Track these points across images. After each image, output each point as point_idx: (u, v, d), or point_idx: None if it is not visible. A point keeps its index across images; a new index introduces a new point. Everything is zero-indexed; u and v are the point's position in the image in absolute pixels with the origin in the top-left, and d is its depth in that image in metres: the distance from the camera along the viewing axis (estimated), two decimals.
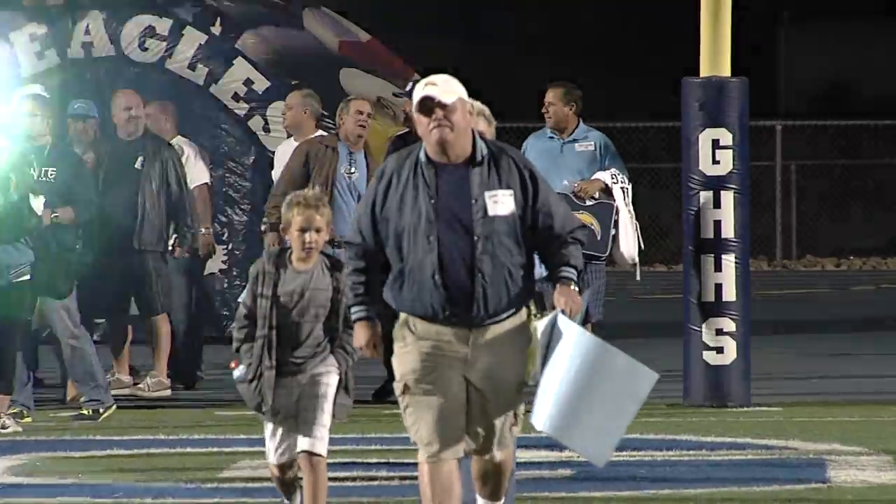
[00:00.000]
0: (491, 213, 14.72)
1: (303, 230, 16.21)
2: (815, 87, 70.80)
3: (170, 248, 30.90)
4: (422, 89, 14.90)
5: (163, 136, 31.68)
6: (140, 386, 31.38)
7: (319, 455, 16.12)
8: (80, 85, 35.24)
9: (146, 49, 35.95)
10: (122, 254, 30.73)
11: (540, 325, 15.16)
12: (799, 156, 56.46)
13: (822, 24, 78.81)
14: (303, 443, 16.14)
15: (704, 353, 30.17)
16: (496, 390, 14.99)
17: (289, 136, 32.78)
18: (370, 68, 37.60)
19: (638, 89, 37.53)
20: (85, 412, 28.56)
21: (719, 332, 30.11)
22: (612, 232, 29.73)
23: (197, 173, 31.55)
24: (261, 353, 15.94)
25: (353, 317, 15.31)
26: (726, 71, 30.52)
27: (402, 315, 15.12)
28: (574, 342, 14.84)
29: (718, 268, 30.20)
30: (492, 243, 14.72)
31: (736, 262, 30.39)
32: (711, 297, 30.16)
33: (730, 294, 30.23)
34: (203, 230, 31.28)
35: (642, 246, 30.17)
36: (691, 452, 26.22)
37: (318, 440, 16.20)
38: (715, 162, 30.22)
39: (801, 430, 27.42)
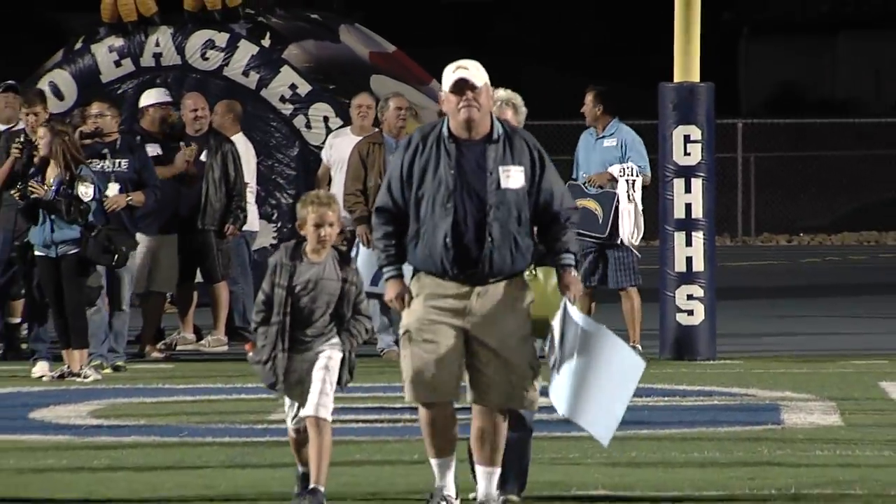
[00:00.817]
0: (503, 185, 14.63)
1: (317, 226, 16.05)
2: (770, 90, 70.55)
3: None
4: (454, 72, 14.79)
5: (225, 131, 31.72)
6: (202, 343, 31.45)
7: (324, 419, 15.90)
8: (147, 84, 35.34)
9: (207, 59, 35.93)
10: (189, 232, 30.78)
11: (557, 320, 14.87)
12: (757, 149, 56.36)
13: (775, 38, 78.63)
14: (309, 408, 15.99)
15: (677, 315, 30.22)
16: (499, 338, 14.78)
17: (328, 133, 33.01)
18: (396, 75, 37.53)
19: (625, 90, 37.72)
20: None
21: (689, 297, 30.18)
22: (613, 217, 29.80)
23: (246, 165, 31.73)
24: (275, 337, 15.85)
25: (385, 275, 15.07)
26: (696, 77, 30.55)
27: (414, 270, 15.01)
28: (582, 332, 14.82)
29: (689, 243, 30.28)
30: (502, 212, 14.61)
31: (704, 239, 30.48)
32: (683, 268, 30.23)
33: (698, 265, 30.30)
34: None
35: (641, 231, 30.15)
36: (666, 399, 26.22)
37: (322, 406, 15.99)
38: (686, 154, 30.28)
39: (759, 380, 27.38)
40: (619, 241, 30.40)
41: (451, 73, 14.84)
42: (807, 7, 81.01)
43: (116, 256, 27.23)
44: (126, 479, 19.95)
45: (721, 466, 20.69)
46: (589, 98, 30.59)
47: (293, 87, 35.55)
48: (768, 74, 75.20)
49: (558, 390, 14.84)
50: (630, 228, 29.67)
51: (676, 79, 30.51)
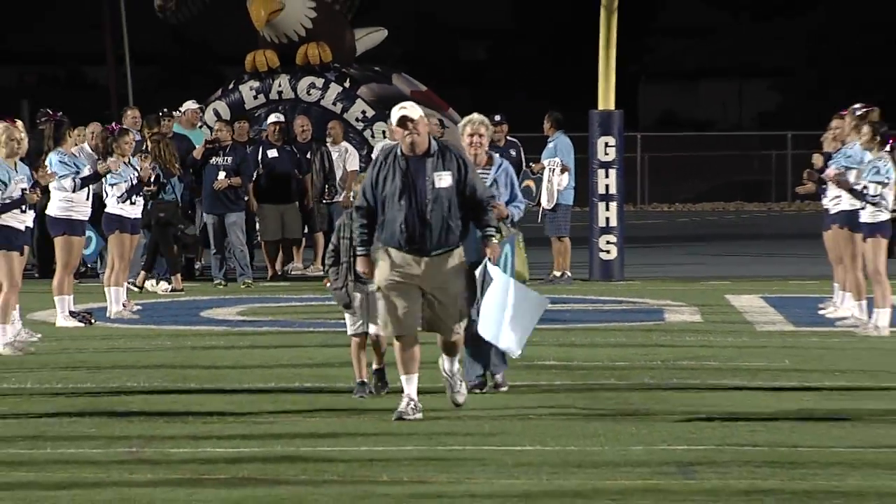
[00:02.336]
0: (437, 185, 14.17)
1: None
2: (657, 114, 70.01)
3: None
4: (398, 111, 14.30)
5: (336, 138, 31.61)
6: (306, 271, 31.21)
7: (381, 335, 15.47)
8: (273, 111, 35.15)
9: (310, 94, 35.74)
10: (302, 201, 30.58)
11: (477, 272, 14.59)
12: (649, 151, 56.29)
13: (662, 81, 78.11)
14: (372, 328, 15.59)
15: (600, 253, 30.06)
16: (443, 294, 14.44)
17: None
18: (427, 105, 37.39)
19: (572, 113, 37.67)
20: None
21: (608, 242, 30.01)
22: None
23: (351, 161, 31.31)
24: (346, 272, 15.44)
25: (358, 253, 14.67)
26: (612, 106, 30.35)
27: (382, 246, 14.46)
28: (499, 281, 14.54)
29: (607, 209, 30.12)
30: (438, 205, 14.20)
31: (616, 206, 30.29)
32: (604, 224, 30.06)
33: (613, 222, 30.12)
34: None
35: (554, 200, 29.60)
36: (592, 305, 26.12)
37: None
38: (606, 154, 30.16)
39: (651, 294, 27.28)
40: (552, 207, 29.80)
41: (396, 112, 14.35)
42: (682, 62, 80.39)
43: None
44: (261, 354, 19.96)
45: (626, 347, 20.67)
46: (546, 118, 30.41)
47: (364, 112, 35.37)
48: (657, 104, 74.71)
49: (483, 323, 14.64)
50: (546, 198, 29.36)
51: (600, 107, 30.33)
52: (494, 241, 14.50)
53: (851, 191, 20.19)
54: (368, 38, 38.89)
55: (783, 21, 73.45)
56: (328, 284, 15.86)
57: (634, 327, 23.13)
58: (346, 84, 36.65)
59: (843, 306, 22.80)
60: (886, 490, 11.93)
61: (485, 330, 14.67)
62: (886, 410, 15.62)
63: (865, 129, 21.21)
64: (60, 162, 22.13)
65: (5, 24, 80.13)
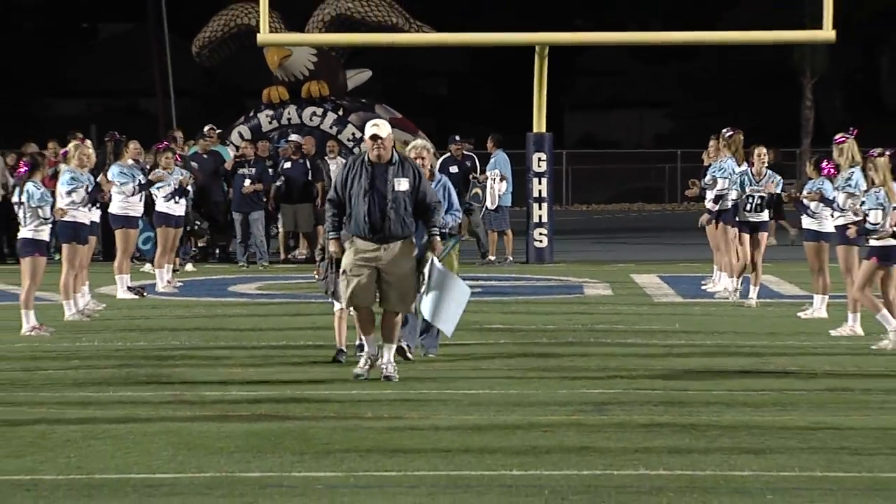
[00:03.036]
0: (396, 189, 13.78)
1: None
2: (579, 136, 69.89)
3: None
4: (370, 128, 13.92)
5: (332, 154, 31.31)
6: (292, 254, 31.04)
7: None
8: (283, 133, 34.99)
9: (312, 120, 35.56)
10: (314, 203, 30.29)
11: (426, 267, 14.06)
12: (572, 164, 56.15)
13: (584, 111, 77.92)
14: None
15: (535, 242, 29.98)
16: (395, 276, 13.91)
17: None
18: (402, 128, 37.29)
19: (509, 136, 37.39)
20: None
21: (541, 234, 29.96)
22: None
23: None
24: (328, 266, 14.59)
25: (330, 237, 14.14)
26: (543, 129, 30.30)
27: (349, 235, 13.94)
28: (439, 274, 14.09)
29: (540, 208, 30.05)
30: (396, 204, 13.77)
31: (547, 206, 30.25)
32: (538, 220, 29.99)
33: (545, 219, 30.05)
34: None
35: (496, 202, 29.44)
36: (527, 282, 26.07)
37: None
38: (539, 166, 30.06)
39: (574, 274, 27.22)
40: (495, 207, 29.71)
41: (369, 128, 13.96)
42: (598, 96, 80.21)
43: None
44: (274, 320, 19.92)
45: (554, 314, 20.66)
46: (489, 139, 30.34)
47: (353, 134, 35.02)
48: (578, 128, 74.55)
49: (425, 306, 14.20)
50: (490, 201, 29.24)
51: (534, 131, 30.26)
52: (438, 239, 14.07)
53: (823, 200, 18.88)
54: (357, 77, 38.75)
55: (676, 63, 73.47)
56: (316, 275, 15.34)
57: (561, 299, 23.12)
58: (340, 112, 36.51)
59: (720, 283, 22.87)
60: (754, 424, 12.01)
61: (426, 311, 14.22)
62: (753, 363, 15.69)
63: (762, 149, 21.33)
64: (120, 172, 22.18)
65: (77, 66, 79.96)
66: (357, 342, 14.82)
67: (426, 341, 15.66)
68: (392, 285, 13.85)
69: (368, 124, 14.03)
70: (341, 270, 13.98)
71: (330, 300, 15.23)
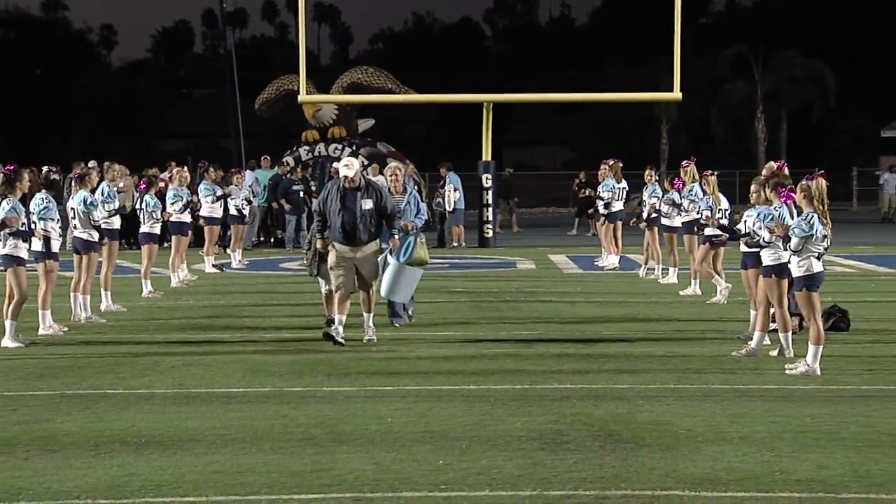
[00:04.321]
0: (363, 207, 12.67)
1: None
2: (514, 163, 69.53)
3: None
4: (343, 170, 12.89)
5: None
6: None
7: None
8: (317, 164, 34.84)
9: (335, 153, 35.38)
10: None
11: (381, 258, 12.99)
12: (518, 181, 56.06)
13: (517, 146, 77.69)
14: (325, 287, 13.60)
15: (484, 233, 29.86)
16: (365, 267, 12.77)
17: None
18: (395, 157, 37.17)
19: (466, 162, 36.95)
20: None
21: (488, 228, 29.85)
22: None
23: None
24: (312, 255, 13.18)
25: (317, 237, 12.98)
26: (489, 157, 30.27)
27: (331, 241, 12.78)
28: (394, 263, 13.01)
29: (487, 210, 29.89)
30: (364, 218, 12.69)
31: (493, 210, 30.15)
32: (486, 218, 29.87)
33: (490, 218, 29.92)
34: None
35: (452, 206, 29.46)
36: (480, 260, 25.94)
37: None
38: (486, 182, 29.96)
39: (509, 255, 27.09)
40: (452, 210, 29.52)
41: (342, 169, 12.92)
42: (529, 135, 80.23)
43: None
44: (310, 286, 19.86)
45: (497, 280, 20.59)
46: (441, 165, 30.38)
47: (363, 162, 35.02)
48: (512, 157, 74.44)
49: (383, 285, 13.01)
50: (449, 207, 29.20)
51: (483, 159, 30.23)
52: (396, 237, 12.98)
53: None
54: (365, 124, 38.58)
55: (577, 114, 73.48)
56: (305, 261, 14.07)
57: (501, 272, 23.07)
58: (354, 147, 36.33)
59: (607, 260, 22.87)
60: (630, 353, 12.00)
61: (384, 291, 13.13)
62: (628, 312, 15.70)
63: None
64: (205, 188, 22.04)
65: (179, 117, 79.83)
66: (327, 316, 13.50)
67: (394, 318, 14.33)
68: (363, 274, 12.82)
69: (342, 165, 13.01)
70: (328, 266, 12.85)
71: (315, 279, 14.07)
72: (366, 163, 35.26)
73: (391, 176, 14.33)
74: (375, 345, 12.68)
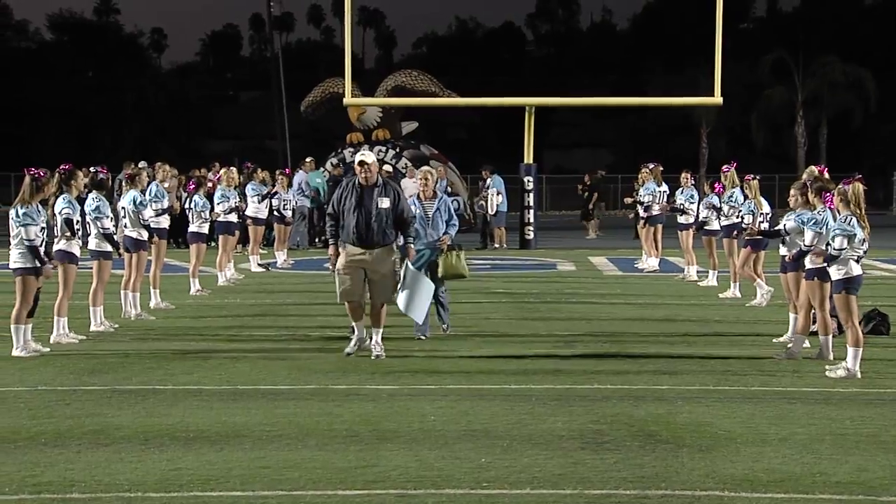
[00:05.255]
0: (380, 206, 11.69)
1: None
2: (553, 167, 69.11)
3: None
4: (359, 157, 11.88)
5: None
6: None
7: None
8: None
9: (378, 155, 35.32)
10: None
11: (402, 268, 12.02)
12: (550, 185, 55.68)
13: (557, 149, 77.59)
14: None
15: (525, 235, 29.66)
16: (378, 274, 11.76)
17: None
18: (438, 160, 37.20)
19: (509, 165, 36.67)
20: None
21: (529, 229, 29.67)
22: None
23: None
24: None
25: (330, 243, 11.96)
26: (531, 160, 30.01)
27: (342, 242, 11.80)
28: (412, 274, 11.97)
29: (528, 213, 29.68)
30: (379, 218, 11.68)
31: (533, 211, 29.90)
32: (527, 220, 29.71)
33: (531, 220, 29.67)
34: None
35: (495, 209, 29.56)
36: (520, 262, 25.80)
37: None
38: (527, 186, 29.63)
39: (549, 256, 26.92)
40: (494, 213, 29.26)
41: (358, 156, 11.88)
42: (566, 140, 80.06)
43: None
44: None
45: (537, 282, 20.47)
46: (485, 168, 30.40)
47: (406, 164, 35.02)
48: (553, 160, 74.11)
49: (400, 301, 12.02)
50: (492, 210, 29.18)
51: (525, 161, 30.02)
52: (411, 245, 12.04)
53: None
54: (408, 126, 38.68)
55: (616, 118, 73.26)
56: (330, 267, 12.67)
57: (541, 273, 22.99)
58: (397, 150, 36.47)
59: (647, 262, 22.77)
60: (669, 354, 11.94)
61: (401, 305, 12.17)
62: (668, 314, 15.63)
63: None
64: (253, 188, 22.17)
65: (226, 119, 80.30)
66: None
67: (419, 329, 13.10)
68: (375, 282, 11.79)
69: (357, 154, 12.08)
70: (335, 270, 11.90)
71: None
72: (409, 165, 35.47)
73: (421, 180, 13.50)
74: (418, 344, 12.62)
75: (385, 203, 11.80)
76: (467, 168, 37.24)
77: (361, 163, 11.80)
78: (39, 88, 72.50)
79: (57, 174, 12.63)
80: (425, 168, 14.07)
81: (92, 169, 14.76)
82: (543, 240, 31.67)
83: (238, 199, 19.80)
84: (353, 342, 11.90)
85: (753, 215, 16.17)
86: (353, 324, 11.96)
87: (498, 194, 29.68)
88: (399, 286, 12.05)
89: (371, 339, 11.87)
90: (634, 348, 12.40)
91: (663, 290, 19.02)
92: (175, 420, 8.64)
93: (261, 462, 7.36)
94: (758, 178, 16.59)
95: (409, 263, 12.05)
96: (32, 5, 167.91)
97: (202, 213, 17.96)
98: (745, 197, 16.70)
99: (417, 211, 13.01)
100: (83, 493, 6.68)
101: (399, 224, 11.92)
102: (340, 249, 11.86)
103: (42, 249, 11.81)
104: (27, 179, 11.85)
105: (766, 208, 16.21)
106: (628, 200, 25.51)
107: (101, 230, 13.54)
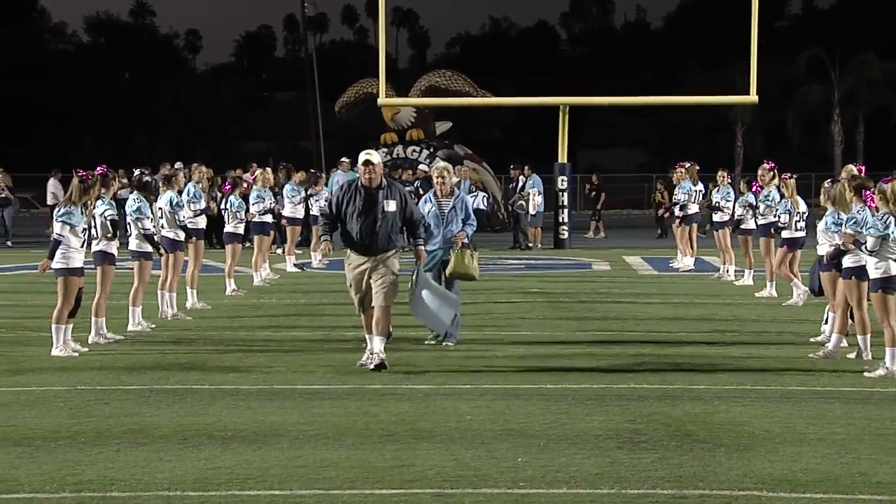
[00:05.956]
0: (385, 209, 10.81)
1: None
2: (587, 165, 68.51)
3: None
4: (363, 156, 10.92)
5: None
6: None
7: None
8: (395, 164, 34.96)
9: (413, 155, 35.53)
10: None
11: (414, 274, 11.57)
12: (583, 183, 55.41)
13: (591, 148, 77.23)
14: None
15: (559, 235, 29.55)
16: (379, 275, 10.77)
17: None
18: (473, 160, 37.22)
19: (543, 165, 36.49)
20: None
21: (563, 229, 29.51)
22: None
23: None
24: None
25: (322, 240, 11.16)
26: (565, 160, 29.94)
27: (346, 249, 11.05)
28: (424, 280, 11.52)
29: (563, 212, 29.56)
30: (384, 222, 10.79)
31: (567, 211, 29.80)
32: (561, 220, 29.58)
33: (566, 219, 29.51)
34: None
35: (537, 208, 29.59)
36: (555, 261, 25.74)
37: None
38: (561, 185, 29.56)
39: (584, 255, 26.81)
40: (534, 213, 29.33)
41: (362, 156, 10.95)
42: (599, 140, 79.48)
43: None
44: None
45: (572, 282, 20.43)
46: (524, 168, 30.32)
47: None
48: (587, 159, 73.78)
49: (413, 306, 11.53)
50: (530, 209, 29.18)
51: (559, 161, 29.87)
52: (422, 248, 11.39)
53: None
54: (442, 126, 38.76)
55: (652, 117, 73.02)
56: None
57: (576, 273, 22.92)
58: (431, 150, 36.54)
59: (683, 261, 22.68)
60: (706, 353, 11.90)
61: (417, 314, 11.79)
62: (704, 313, 15.57)
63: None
64: (291, 189, 22.26)
65: (260, 120, 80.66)
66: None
67: (448, 338, 12.46)
68: (376, 285, 10.90)
69: (362, 154, 11.11)
70: (347, 284, 11.15)
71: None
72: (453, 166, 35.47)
73: (437, 178, 12.69)
74: (454, 343, 12.55)
75: (391, 206, 10.95)
76: (502, 168, 37.14)
77: (366, 162, 10.96)
78: (77, 90, 73.06)
79: (98, 177, 12.73)
80: (441, 164, 13.14)
81: (136, 170, 14.86)
82: (578, 239, 31.58)
83: (273, 200, 19.81)
84: (365, 355, 11.08)
85: (790, 214, 16.08)
86: (366, 335, 11.11)
87: (539, 194, 29.70)
88: (410, 292, 11.53)
89: (374, 346, 10.94)
90: (670, 348, 12.35)
91: (699, 289, 18.93)
92: (212, 419, 8.68)
93: (298, 461, 7.39)
94: (795, 176, 16.50)
95: (421, 269, 11.50)
96: (70, 8, 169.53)
97: (238, 214, 18.05)
98: (782, 196, 16.62)
99: (432, 208, 12.54)
100: (123, 491, 6.73)
101: (408, 227, 11.18)
102: (346, 261, 11.11)
103: (82, 254, 11.97)
104: (75, 181, 12.03)
105: (802, 207, 16.11)
106: (665, 214, 25.18)
107: (141, 231, 13.67)
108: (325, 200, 23.56)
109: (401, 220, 11.01)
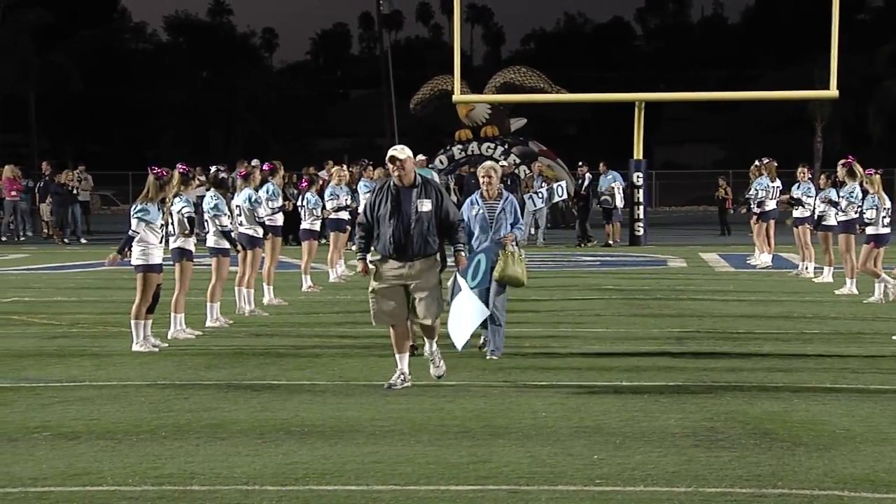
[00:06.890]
0: (420, 210, 9.74)
1: None
2: (663, 162, 68.00)
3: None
4: (390, 152, 9.89)
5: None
6: None
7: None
8: (469, 160, 34.93)
9: (487, 152, 35.36)
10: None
11: (451, 280, 10.86)
12: (660, 180, 54.97)
13: (666, 145, 76.60)
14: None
15: (635, 231, 29.43)
16: (421, 290, 9.77)
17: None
18: (548, 156, 37.12)
19: (615, 160, 36.46)
20: None
21: (639, 226, 29.35)
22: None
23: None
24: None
25: (358, 258, 10.02)
26: (640, 156, 29.72)
27: (377, 254, 9.92)
28: (464, 288, 10.19)
29: (639, 209, 29.41)
30: (419, 224, 9.72)
31: (643, 208, 29.62)
32: (637, 216, 29.43)
33: (641, 216, 29.47)
34: None
35: (622, 203, 29.45)
36: (631, 258, 25.61)
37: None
38: (637, 181, 29.53)
39: (660, 252, 26.62)
40: (613, 206, 29.14)
41: (390, 151, 9.91)
42: (675, 136, 78.86)
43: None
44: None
45: (647, 279, 20.29)
46: (601, 164, 30.16)
47: (515, 161, 35.17)
48: (663, 156, 73.15)
49: (453, 318, 10.07)
50: (618, 203, 29.10)
51: (634, 157, 29.73)
52: (462, 254, 10.19)
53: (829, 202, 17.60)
54: (517, 123, 38.74)
55: (728, 112, 72.09)
56: None
57: (652, 269, 22.79)
58: (505, 146, 36.51)
59: (760, 258, 22.44)
60: (784, 351, 11.75)
61: (448, 325, 10.32)
62: (782, 311, 15.38)
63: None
64: (365, 185, 22.32)
65: (336, 117, 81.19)
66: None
67: (492, 352, 11.61)
68: (419, 299, 9.90)
69: (390, 149, 10.09)
70: (369, 291, 10.03)
71: None
72: (517, 161, 35.40)
73: (484, 177, 11.69)
74: (528, 340, 12.53)
75: (426, 206, 9.93)
76: (577, 164, 36.93)
77: (392, 159, 9.95)
78: (156, 89, 74.01)
79: (178, 175, 12.87)
80: (488, 163, 12.07)
81: (212, 168, 15.03)
82: (654, 236, 31.35)
83: (349, 197, 19.88)
84: (395, 374, 10.04)
85: (877, 210, 15.87)
86: (396, 355, 10.06)
87: (622, 188, 29.64)
88: (448, 301, 10.55)
89: (430, 350, 10.21)
90: (748, 345, 12.22)
91: (777, 286, 18.71)
92: (289, 415, 8.75)
93: (374, 457, 7.42)
94: (880, 172, 16.27)
95: (459, 275, 10.55)
96: (149, 8, 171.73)
97: (314, 211, 18.17)
98: (865, 192, 16.37)
99: (481, 211, 11.57)
100: (203, 485, 6.80)
101: (444, 229, 10.01)
102: (375, 265, 10.01)
103: (161, 250, 12.12)
104: (151, 178, 12.20)
105: (888, 203, 15.90)
106: (741, 210, 24.81)
107: (219, 228, 13.83)
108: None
109: (436, 221, 9.94)
